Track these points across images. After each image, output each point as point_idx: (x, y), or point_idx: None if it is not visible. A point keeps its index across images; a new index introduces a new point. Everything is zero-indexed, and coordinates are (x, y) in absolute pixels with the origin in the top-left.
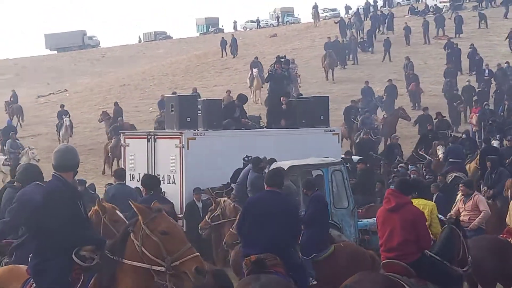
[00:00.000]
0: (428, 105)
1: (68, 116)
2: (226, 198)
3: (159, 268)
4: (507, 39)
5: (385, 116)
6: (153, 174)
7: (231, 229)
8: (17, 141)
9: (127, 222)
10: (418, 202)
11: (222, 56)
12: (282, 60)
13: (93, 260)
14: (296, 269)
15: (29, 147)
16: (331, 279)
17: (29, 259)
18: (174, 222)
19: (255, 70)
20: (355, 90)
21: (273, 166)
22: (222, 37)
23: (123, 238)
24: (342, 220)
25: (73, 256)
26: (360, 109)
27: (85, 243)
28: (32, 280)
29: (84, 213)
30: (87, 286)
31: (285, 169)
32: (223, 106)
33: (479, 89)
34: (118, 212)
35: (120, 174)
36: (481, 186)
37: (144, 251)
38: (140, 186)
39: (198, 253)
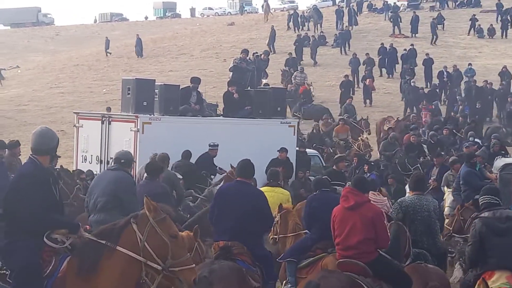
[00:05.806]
0: (380, 103)
1: None
2: None
3: (154, 266)
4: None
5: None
6: (107, 157)
7: None
8: None
9: None
10: (278, 190)
11: (106, 56)
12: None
13: (64, 243)
14: (263, 260)
15: None
16: None
17: None
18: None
19: None
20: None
21: None
22: (106, 37)
23: (122, 227)
24: None
25: (45, 238)
26: None
27: (57, 227)
28: None
29: (58, 197)
30: (59, 268)
31: (500, 166)
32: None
33: (429, 89)
34: None
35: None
36: None
37: (147, 246)
38: (90, 169)
39: (194, 265)
